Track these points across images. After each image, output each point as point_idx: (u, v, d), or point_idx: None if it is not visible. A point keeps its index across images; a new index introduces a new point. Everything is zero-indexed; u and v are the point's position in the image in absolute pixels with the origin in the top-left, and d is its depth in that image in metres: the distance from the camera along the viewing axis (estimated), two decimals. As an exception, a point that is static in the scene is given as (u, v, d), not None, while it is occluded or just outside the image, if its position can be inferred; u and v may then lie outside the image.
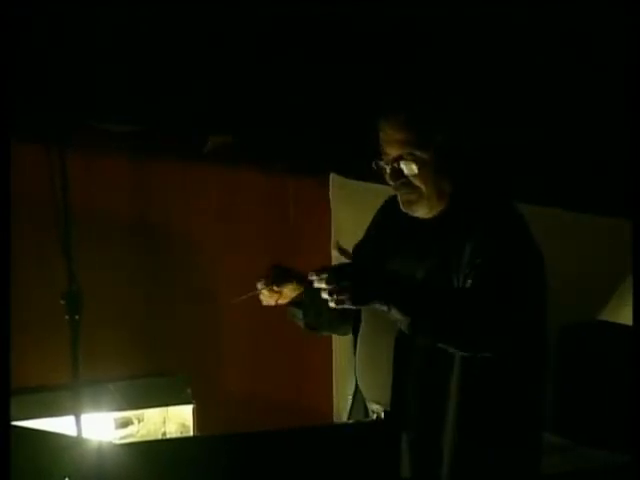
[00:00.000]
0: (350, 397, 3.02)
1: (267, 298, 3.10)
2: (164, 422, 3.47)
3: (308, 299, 3.08)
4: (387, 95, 2.99)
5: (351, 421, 2.95)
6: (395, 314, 2.64)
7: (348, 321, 3.08)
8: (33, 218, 3.84)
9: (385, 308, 2.63)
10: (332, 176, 4.57)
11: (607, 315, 4.48)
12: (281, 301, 3.11)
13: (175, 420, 3.47)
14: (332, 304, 2.61)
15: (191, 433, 3.43)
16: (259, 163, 4.51)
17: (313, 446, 2.47)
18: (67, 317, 2.48)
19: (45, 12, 3.60)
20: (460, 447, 2.74)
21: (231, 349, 4.52)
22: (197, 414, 3.44)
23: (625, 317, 4.21)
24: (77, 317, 2.49)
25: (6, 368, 2.43)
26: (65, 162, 2.47)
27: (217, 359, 4.48)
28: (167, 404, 3.47)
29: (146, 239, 4.39)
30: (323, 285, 2.60)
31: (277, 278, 3.07)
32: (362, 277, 2.63)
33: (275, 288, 3.07)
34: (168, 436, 3.43)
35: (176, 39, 3.96)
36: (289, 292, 3.09)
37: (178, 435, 3.44)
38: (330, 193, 4.59)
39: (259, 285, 3.09)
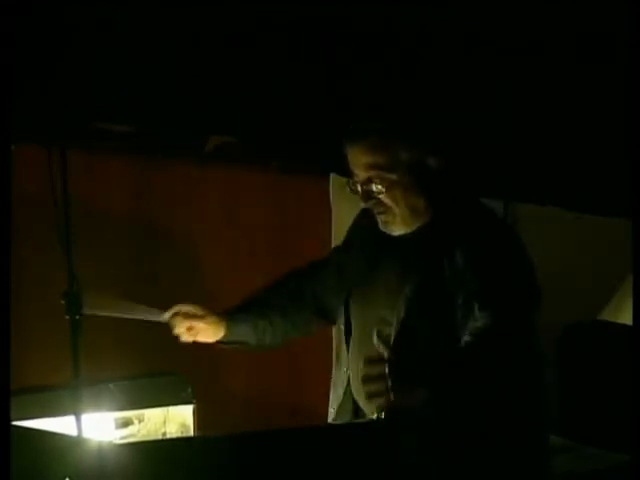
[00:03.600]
0: (333, 410, 3.00)
1: (182, 336, 3.07)
2: (164, 422, 3.46)
3: (237, 335, 3.11)
4: (349, 118, 2.97)
5: (350, 421, 2.95)
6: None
7: (301, 330, 3.20)
8: (33, 218, 3.84)
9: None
10: (332, 176, 4.57)
11: (607, 315, 4.49)
12: (201, 339, 3.09)
13: (175, 420, 3.46)
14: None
15: (192, 433, 3.42)
16: (259, 163, 4.51)
17: (313, 446, 2.47)
18: (67, 317, 2.49)
19: (45, 11, 3.61)
20: (460, 452, 2.73)
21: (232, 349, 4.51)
22: (198, 414, 3.43)
23: (625, 317, 4.21)
24: (77, 317, 2.49)
25: (6, 368, 2.43)
26: (65, 162, 2.47)
27: (217, 359, 4.47)
28: (167, 404, 3.45)
29: (146, 239, 4.39)
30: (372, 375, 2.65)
31: (176, 322, 3.04)
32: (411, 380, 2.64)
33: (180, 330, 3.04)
34: (168, 436, 3.42)
35: (176, 39, 3.96)
36: (208, 331, 3.08)
37: (179, 435, 3.43)
38: (330, 193, 4.59)
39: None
